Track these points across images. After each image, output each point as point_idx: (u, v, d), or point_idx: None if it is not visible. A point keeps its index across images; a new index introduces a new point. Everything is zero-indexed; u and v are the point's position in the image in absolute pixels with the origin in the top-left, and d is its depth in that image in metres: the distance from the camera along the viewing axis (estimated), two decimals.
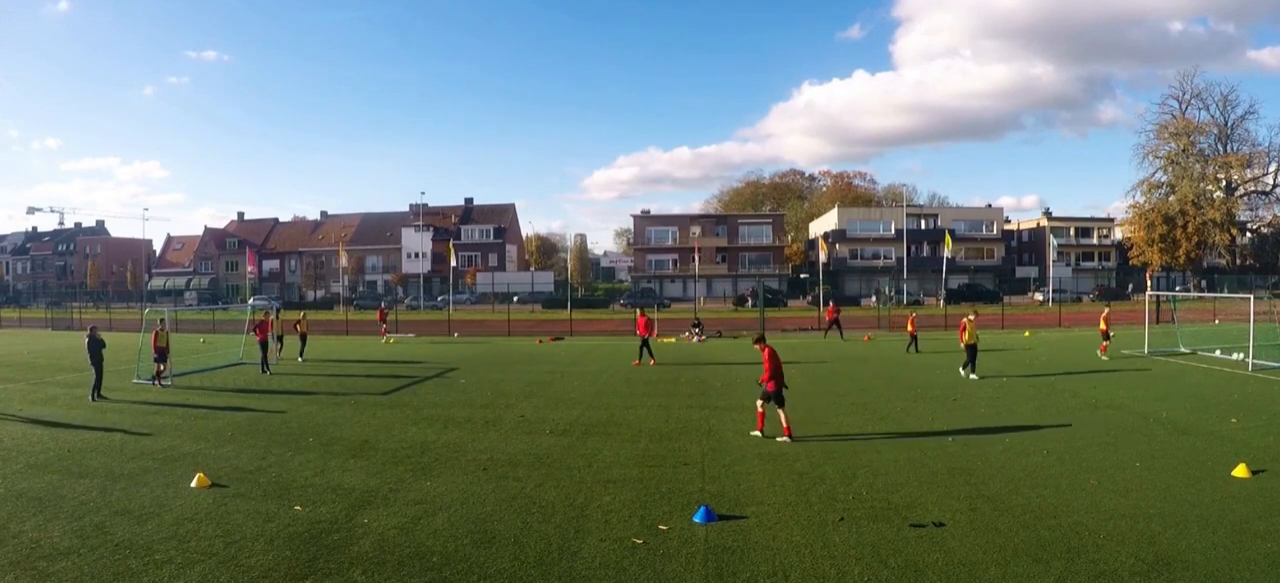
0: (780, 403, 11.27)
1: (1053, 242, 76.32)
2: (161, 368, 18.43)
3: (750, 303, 44.54)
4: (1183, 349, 23.06)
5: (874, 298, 59.85)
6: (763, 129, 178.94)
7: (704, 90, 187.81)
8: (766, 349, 11.65)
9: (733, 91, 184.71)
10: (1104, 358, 21.37)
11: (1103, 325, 22.45)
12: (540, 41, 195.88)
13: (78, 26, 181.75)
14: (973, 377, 17.63)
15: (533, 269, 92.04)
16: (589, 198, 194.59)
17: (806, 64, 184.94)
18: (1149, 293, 30.60)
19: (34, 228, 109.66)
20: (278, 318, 21.00)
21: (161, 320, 19.45)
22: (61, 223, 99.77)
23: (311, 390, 17.30)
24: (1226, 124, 69.88)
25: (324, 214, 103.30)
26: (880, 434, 11.75)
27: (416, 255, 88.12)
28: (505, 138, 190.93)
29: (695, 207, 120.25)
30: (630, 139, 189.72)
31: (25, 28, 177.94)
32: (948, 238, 65.64)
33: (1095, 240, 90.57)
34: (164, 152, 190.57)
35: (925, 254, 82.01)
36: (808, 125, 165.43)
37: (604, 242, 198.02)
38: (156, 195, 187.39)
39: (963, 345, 18.49)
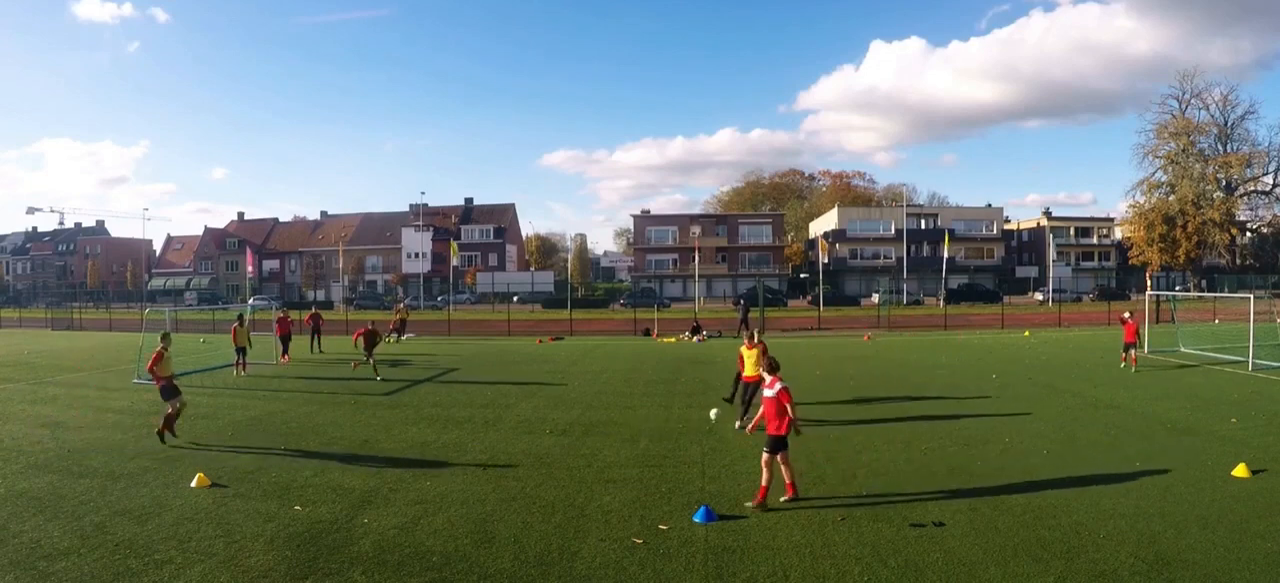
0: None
1: (1052, 241, 76.35)
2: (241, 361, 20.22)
3: (740, 304, 44.03)
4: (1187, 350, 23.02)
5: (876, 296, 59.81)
6: (806, 103, 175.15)
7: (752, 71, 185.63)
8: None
9: (774, 71, 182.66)
10: (1133, 369, 18.50)
11: (1129, 335, 18.89)
12: (549, 36, 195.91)
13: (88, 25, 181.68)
14: (715, 413, 12.00)
15: (533, 269, 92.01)
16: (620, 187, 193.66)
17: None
18: (1149, 293, 30.59)
19: (34, 228, 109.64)
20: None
21: (240, 317, 21.20)
22: (61, 223, 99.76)
23: (311, 391, 17.30)
24: (1226, 124, 69.87)
25: (324, 214, 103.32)
26: (880, 435, 11.75)
27: (416, 255, 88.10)
28: (510, 134, 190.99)
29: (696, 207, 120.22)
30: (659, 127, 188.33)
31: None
32: (947, 238, 65.74)
33: (1095, 240, 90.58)
34: (157, 144, 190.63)
35: (925, 254, 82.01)
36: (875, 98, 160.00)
37: (604, 241, 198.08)
38: (148, 185, 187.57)
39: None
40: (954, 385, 16.90)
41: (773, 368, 8.56)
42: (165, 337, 12.03)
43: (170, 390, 11.53)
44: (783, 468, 8.24)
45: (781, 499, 8.20)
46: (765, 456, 8.16)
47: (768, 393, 8.33)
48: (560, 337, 33.94)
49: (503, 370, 20.95)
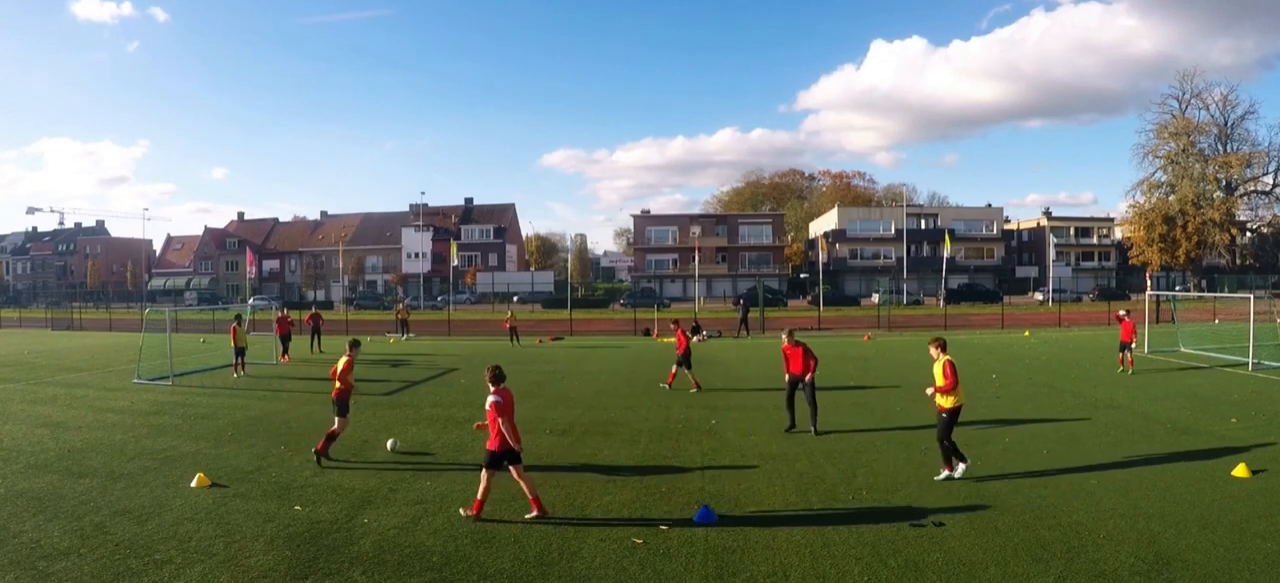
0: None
1: (1052, 241, 76.35)
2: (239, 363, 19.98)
3: (740, 304, 44.12)
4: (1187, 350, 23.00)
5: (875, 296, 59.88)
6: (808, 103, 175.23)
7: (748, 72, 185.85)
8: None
9: (773, 70, 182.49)
10: (1129, 372, 18.13)
11: (1125, 335, 18.59)
12: (549, 36, 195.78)
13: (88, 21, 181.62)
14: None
15: (533, 269, 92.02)
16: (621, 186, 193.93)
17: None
18: (1149, 293, 30.59)
19: (34, 228, 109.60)
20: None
21: (238, 318, 20.82)
22: (61, 223, 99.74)
23: (311, 391, 17.30)
24: (1226, 124, 69.89)
25: (324, 214, 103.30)
26: (880, 435, 11.75)
27: (416, 255, 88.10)
28: (510, 134, 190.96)
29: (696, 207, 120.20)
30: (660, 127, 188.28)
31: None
32: (947, 238, 65.70)
33: (1095, 240, 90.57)
34: (156, 144, 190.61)
35: (925, 254, 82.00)
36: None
37: (604, 241, 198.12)
38: (148, 185, 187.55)
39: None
40: None
41: (494, 379, 7.85)
42: (357, 344, 11.24)
43: (345, 406, 10.49)
44: (521, 483, 7.77)
45: (526, 516, 7.73)
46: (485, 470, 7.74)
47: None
48: (560, 337, 33.94)
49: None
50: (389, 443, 11.10)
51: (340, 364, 10.61)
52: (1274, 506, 7.80)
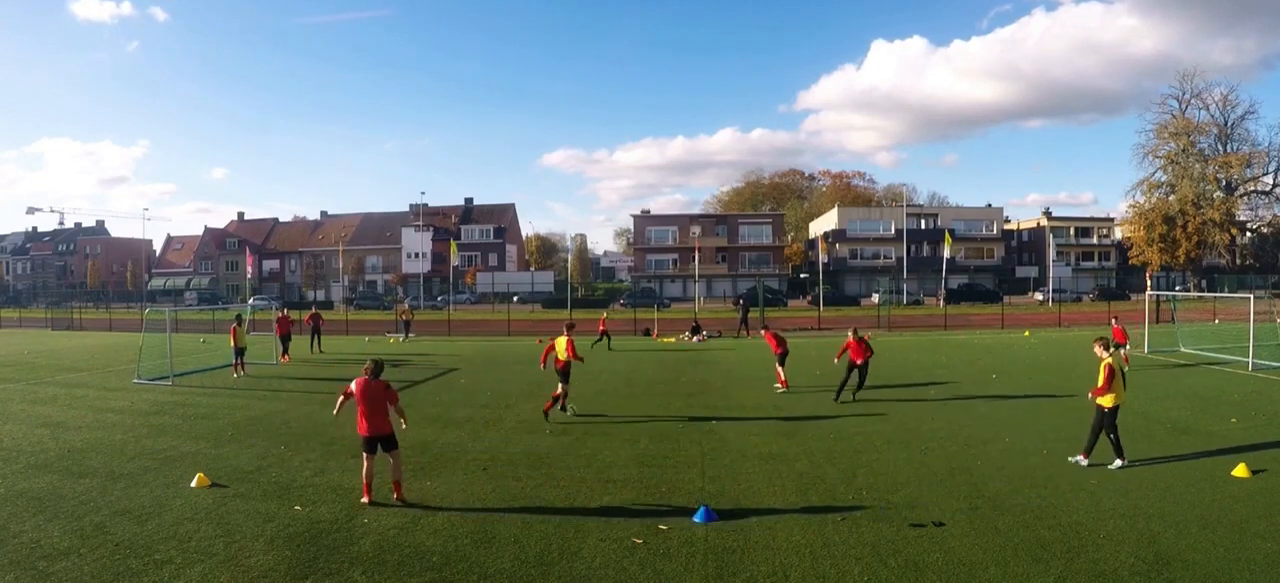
0: None
1: (1052, 241, 76.36)
2: (239, 363, 20.00)
3: (740, 304, 44.25)
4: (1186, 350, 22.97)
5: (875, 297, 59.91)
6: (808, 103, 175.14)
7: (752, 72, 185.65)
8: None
9: (776, 71, 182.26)
10: (1125, 369, 18.84)
11: (1119, 337, 18.75)
12: (549, 36, 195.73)
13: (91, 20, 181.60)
14: None
15: (533, 269, 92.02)
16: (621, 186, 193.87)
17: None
18: (1149, 293, 30.59)
19: (34, 228, 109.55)
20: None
21: (238, 318, 20.83)
22: (61, 223, 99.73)
23: (311, 391, 17.30)
24: (1226, 124, 69.90)
25: (324, 214, 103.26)
26: (880, 435, 11.75)
27: (416, 255, 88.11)
28: (510, 134, 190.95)
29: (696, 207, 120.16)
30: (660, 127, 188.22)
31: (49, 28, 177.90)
32: (948, 237, 65.69)
33: (1095, 240, 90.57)
34: (156, 144, 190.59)
35: (925, 254, 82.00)
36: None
37: (604, 241, 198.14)
38: (148, 185, 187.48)
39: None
40: (954, 386, 16.89)
41: (366, 370, 8.55)
42: (572, 326, 14.49)
43: (567, 375, 13.33)
44: (390, 462, 8.48)
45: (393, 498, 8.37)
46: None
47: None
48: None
49: (503, 370, 20.94)
50: (568, 410, 13.39)
51: (564, 341, 13.33)
52: (1274, 506, 7.80)
